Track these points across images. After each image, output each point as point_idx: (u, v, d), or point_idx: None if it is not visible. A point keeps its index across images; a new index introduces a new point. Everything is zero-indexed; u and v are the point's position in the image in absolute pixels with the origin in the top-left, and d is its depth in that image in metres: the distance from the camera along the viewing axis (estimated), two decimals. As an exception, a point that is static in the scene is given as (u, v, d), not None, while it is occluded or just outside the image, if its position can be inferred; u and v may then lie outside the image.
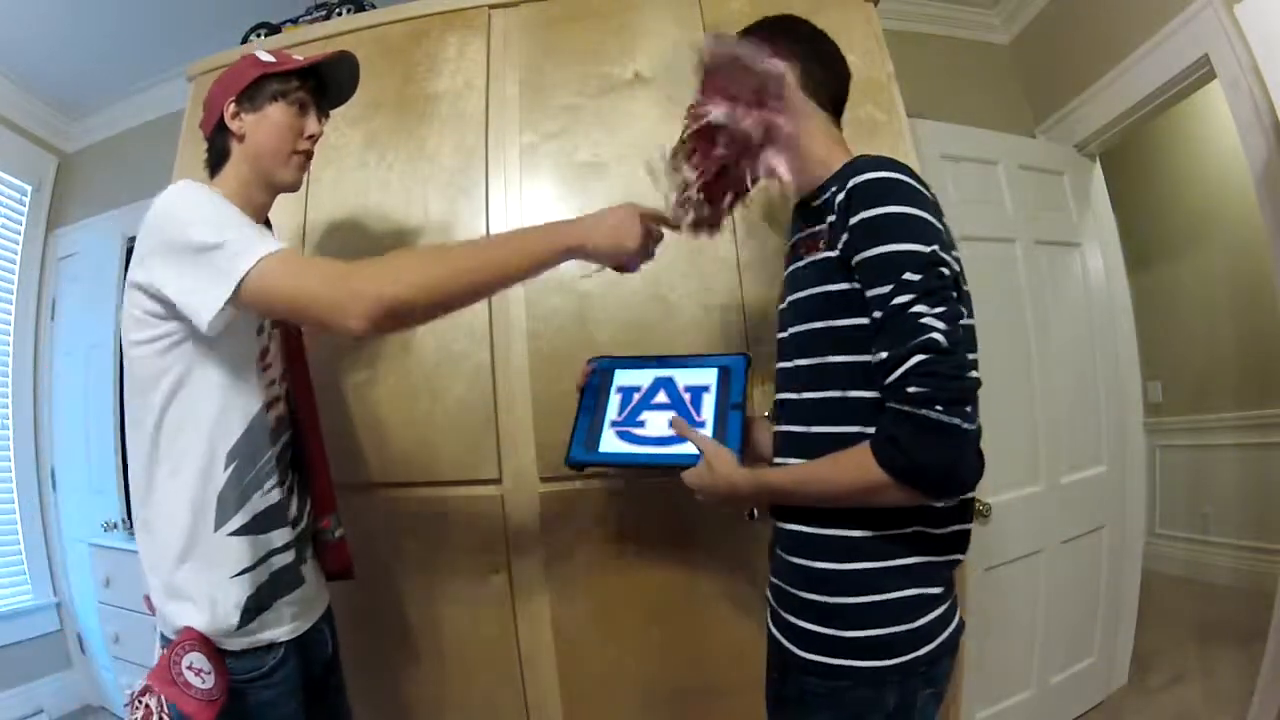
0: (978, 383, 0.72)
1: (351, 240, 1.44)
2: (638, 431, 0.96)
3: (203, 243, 0.81)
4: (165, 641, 0.89)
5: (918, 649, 0.79)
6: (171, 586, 0.88)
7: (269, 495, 0.94)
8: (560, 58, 1.47)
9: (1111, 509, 2.08)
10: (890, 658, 0.79)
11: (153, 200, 0.86)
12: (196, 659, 0.83)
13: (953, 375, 0.70)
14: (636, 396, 1.00)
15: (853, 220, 0.77)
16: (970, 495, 0.84)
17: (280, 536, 0.95)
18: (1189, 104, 2.22)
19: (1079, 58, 2.20)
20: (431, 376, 1.36)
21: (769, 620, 0.92)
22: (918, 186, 0.79)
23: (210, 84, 1.01)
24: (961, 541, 0.85)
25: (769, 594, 0.92)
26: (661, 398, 0.99)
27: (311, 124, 1.02)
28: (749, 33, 0.95)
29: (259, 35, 1.73)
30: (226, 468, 0.89)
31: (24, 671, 2.44)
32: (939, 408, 0.69)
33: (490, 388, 1.34)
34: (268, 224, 1.03)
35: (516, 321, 1.37)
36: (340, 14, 1.68)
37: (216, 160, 0.99)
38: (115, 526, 2.48)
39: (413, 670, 1.36)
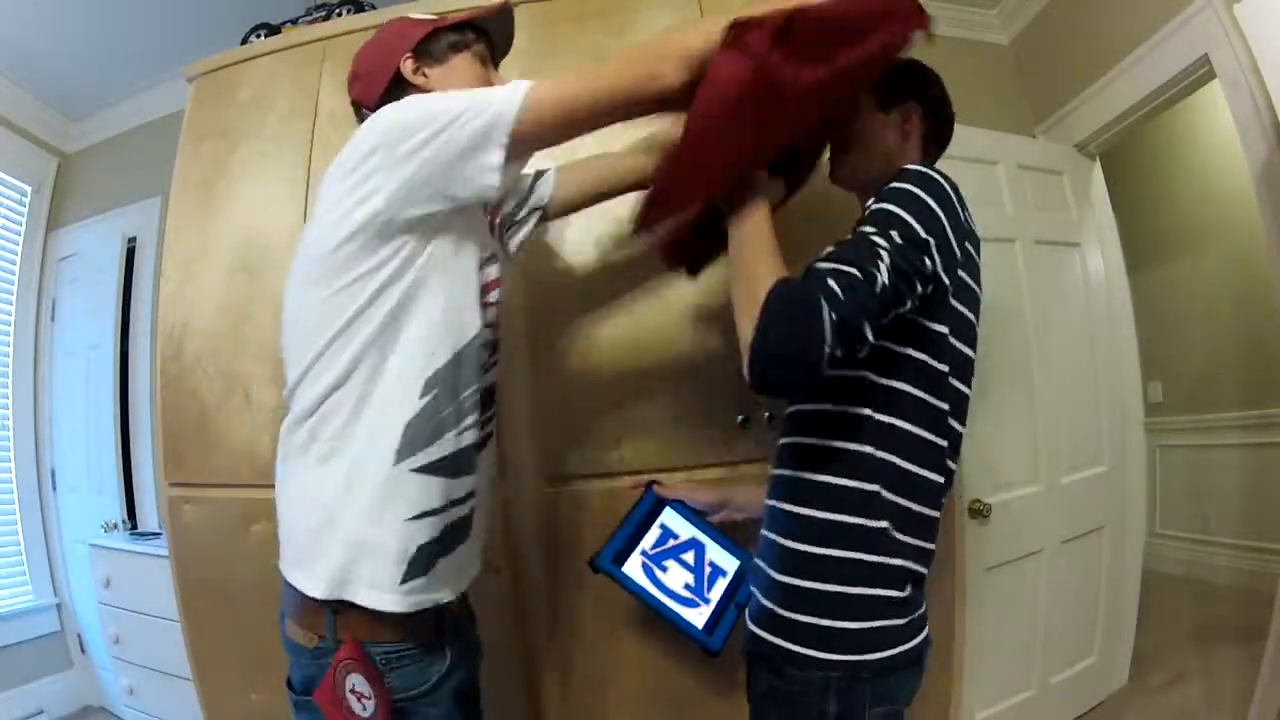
0: (863, 335, 0.71)
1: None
2: (659, 575, 1.05)
3: (450, 119, 0.75)
4: (295, 598, 0.81)
5: (864, 652, 0.78)
6: (336, 523, 0.79)
7: (463, 435, 0.86)
8: (560, 58, 1.46)
9: (1111, 509, 2.08)
10: (835, 652, 0.78)
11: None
12: (358, 682, 0.77)
13: (859, 305, 0.70)
14: (671, 542, 1.08)
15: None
16: (932, 514, 0.84)
17: (464, 485, 0.86)
18: (1189, 104, 2.22)
19: (1079, 58, 2.20)
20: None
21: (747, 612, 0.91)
22: (949, 191, 0.81)
23: (360, 56, 0.96)
24: (924, 555, 0.84)
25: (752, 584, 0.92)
26: (689, 558, 1.07)
27: (495, 76, 0.96)
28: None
29: (259, 36, 1.73)
30: (424, 395, 0.81)
31: (24, 672, 2.44)
32: (831, 312, 0.68)
33: (490, 388, 1.34)
34: None
35: (517, 320, 1.37)
36: (340, 14, 1.69)
37: None
38: (115, 527, 2.48)
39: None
